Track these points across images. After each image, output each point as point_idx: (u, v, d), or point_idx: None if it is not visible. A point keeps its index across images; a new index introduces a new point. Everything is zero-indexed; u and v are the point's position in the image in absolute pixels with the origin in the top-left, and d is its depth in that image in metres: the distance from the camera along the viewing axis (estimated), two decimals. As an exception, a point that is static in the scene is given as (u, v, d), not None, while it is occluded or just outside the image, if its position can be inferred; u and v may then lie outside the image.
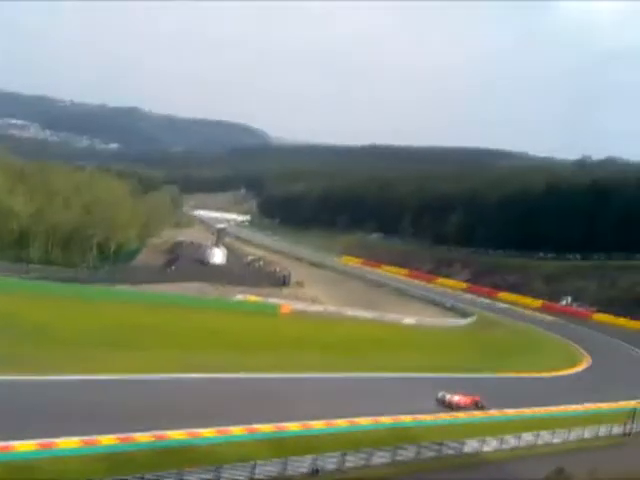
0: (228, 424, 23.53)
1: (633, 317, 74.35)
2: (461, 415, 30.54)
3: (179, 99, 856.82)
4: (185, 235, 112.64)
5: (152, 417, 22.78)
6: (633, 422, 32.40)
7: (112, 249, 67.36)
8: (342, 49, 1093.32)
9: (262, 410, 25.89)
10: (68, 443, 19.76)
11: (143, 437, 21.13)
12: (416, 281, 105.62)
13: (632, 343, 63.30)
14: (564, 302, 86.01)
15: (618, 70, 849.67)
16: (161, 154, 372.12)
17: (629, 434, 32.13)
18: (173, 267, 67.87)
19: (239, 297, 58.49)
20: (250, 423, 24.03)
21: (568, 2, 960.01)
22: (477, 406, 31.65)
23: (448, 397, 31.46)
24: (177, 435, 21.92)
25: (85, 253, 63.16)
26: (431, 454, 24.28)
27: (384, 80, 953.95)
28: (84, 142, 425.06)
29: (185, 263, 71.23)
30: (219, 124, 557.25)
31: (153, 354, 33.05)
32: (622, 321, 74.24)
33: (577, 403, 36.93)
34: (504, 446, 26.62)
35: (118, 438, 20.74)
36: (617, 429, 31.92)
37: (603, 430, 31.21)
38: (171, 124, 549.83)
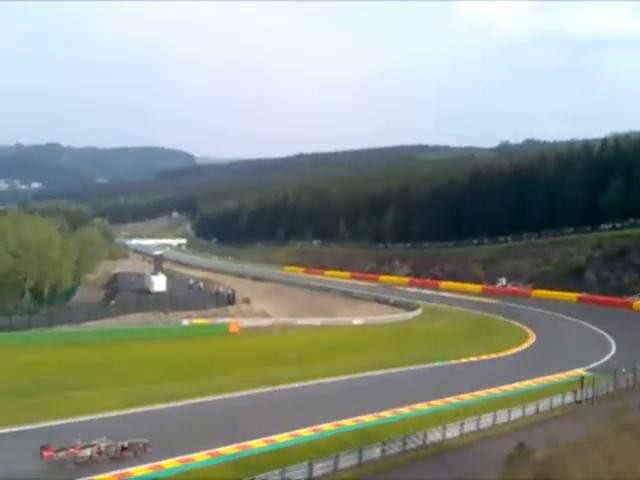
0: (191, 452, 23.10)
1: (568, 289, 77.60)
2: (422, 406, 30.99)
3: (98, 129, 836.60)
4: (121, 267, 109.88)
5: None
6: (582, 389, 33.70)
7: (46, 291, 64.95)
8: (256, 60, 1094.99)
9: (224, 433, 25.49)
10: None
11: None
12: (360, 282, 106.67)
13: (569, 314, 65.94)
14: (499, 284, 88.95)
15: (523, 58, 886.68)
16: (87, 187, 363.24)
17: (580, 401, 33.36)
18: (113, 301, 65.94)
19: (185, 322, 57.52)
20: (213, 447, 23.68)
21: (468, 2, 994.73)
22: None
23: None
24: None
25: (18, 299, 60.58)
26: (396, 450, 24.51)
27: (304, 90, 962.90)
28: (2, 185, 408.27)
29: (125, 295, 69.34)
30: (142, 150, 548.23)
31: (96, 393, 31.92)
32: (558, 294, 77.30)
33: (528, 379, 38.11)
34: (465, 430, 27.17)
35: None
36: (569, 398, 33.08)
37: (556, 401, 32.28)
38: (93, 156, 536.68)
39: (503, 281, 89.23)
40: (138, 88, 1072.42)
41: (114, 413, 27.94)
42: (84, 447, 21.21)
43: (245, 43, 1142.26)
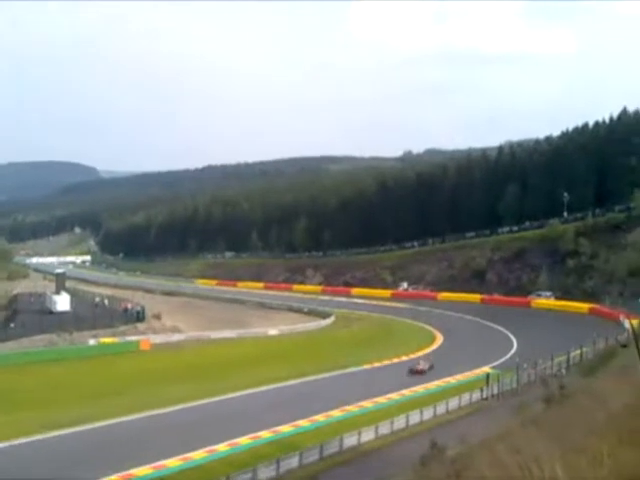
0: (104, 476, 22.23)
1: (472, 290, 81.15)
2: (337, 413, 31.35)
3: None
4: (21, 287, 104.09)
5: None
6: (488, 386, 35.25)
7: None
8: (160, 72, 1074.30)
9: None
10: None
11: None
12: (273, 292, 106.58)
13: (474, 314, 68.86)
14: (401, 288, 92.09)
15: (421, 71, 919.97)
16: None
17: (487, 398, 34.87)
18: (12, 324, 62.21)
19: (92, 341, 55.25)
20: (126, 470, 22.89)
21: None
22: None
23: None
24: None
25: None
26: (314, 458, 24.66)
27: (209, 101, 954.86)
28: None
29: (26, 316, 65.57)
30: (41, 164, 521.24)
31: (2, 421, 30.09)
32: (463, 296, 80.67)
33: (438, 379, 39.46)
34: (380, 433, 27.74)
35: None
36: (476, 395, 34.48)
37: (465, 399, 33.57)
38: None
39: (405, 285, 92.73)
40: (34, 99, 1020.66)
41: (20, 441, 26.47)
42: (424, 366, 41.89)
43: (145, 52, 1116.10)
